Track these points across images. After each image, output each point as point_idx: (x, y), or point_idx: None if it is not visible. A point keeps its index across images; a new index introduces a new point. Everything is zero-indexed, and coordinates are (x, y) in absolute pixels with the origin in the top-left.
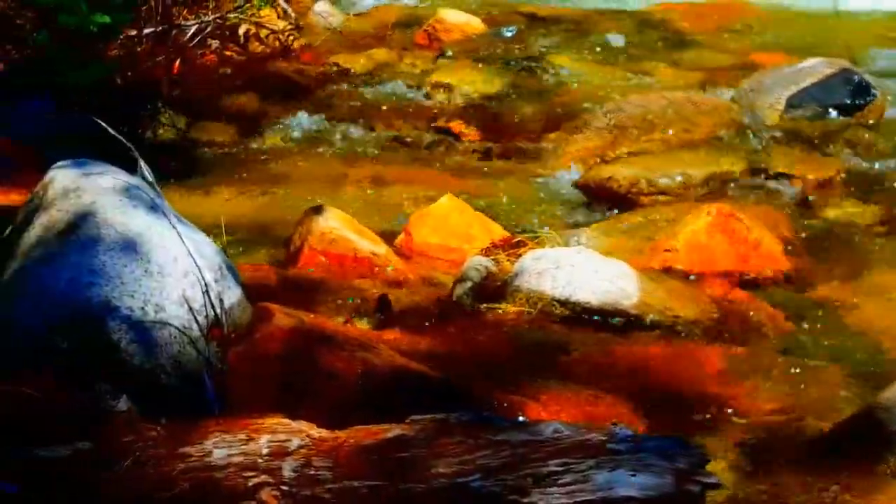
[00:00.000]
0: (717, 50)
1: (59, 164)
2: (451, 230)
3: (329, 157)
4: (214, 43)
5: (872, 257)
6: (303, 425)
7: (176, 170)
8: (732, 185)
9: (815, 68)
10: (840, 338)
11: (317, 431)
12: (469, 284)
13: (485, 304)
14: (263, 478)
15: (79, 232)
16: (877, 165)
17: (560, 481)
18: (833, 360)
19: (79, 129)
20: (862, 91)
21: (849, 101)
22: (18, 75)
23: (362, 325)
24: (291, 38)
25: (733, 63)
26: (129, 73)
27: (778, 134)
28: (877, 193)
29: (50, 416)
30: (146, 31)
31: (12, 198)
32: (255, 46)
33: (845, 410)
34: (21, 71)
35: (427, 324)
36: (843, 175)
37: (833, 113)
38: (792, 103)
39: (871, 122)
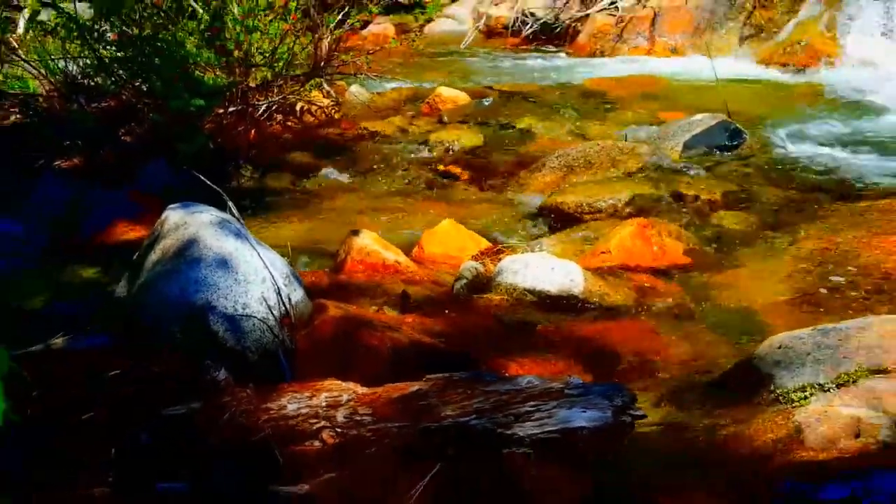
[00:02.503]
0: (634, 110)
1: (172, 206)
2: (451, 243)
3: (362, 195)
4: (279, 116)
5: (748, 253)
6: (350, 385)
7: (253, 207)
8: (648, 204)
9: (703, 120)
10: (727, 309)
11: (360, 389)
12: (464, 281)
13: (476, 295)
14: (323, 423)
15: (186, 254)
16: (749, 187)
17: (532, 417)
18: (722, 325)
19: (185, 181)
20: (736, 135)
21: (727, 143)
22: (142, 146)
23: (390, 313)
24: (333, 111)
25: (646, 119)
26: (219, 140)
27: (678, 167)
28: (750, 207)
29: (172, 384)
30: (230, 109)
31: (140, 233)
32: (308, 118)
33: (732, 360)
34: (143, 142)
35: (436, 310)
36: (725, 195)
37: (716, 151)
38: (687, 145)
39: (743, 156)
